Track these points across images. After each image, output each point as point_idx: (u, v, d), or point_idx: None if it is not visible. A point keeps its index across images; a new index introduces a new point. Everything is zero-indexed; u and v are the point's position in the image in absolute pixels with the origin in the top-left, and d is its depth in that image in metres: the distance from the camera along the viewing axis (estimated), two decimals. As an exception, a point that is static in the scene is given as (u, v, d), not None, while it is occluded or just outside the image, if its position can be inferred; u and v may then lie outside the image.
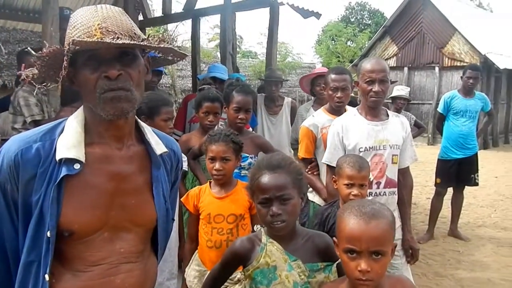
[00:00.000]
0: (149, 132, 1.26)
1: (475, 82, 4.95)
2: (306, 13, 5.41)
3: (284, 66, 19.75)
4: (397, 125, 2.62)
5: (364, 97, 2.57)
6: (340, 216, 1.36)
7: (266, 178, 1.46)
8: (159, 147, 1.24)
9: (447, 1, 15.44)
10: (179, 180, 1.43)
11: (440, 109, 5.08)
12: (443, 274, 4.11)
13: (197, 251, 2.17)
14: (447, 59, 13.66)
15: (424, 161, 9.26)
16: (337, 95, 2.98)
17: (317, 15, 5.41)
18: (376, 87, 2.46)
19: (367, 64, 2.55)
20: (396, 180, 2.61)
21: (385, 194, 2.56)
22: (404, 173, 2.69)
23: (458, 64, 13.07)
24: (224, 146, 2.11)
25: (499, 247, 4.87)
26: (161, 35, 1.21)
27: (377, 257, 1.26)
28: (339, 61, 25.60)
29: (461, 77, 5.06)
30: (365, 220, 1.27)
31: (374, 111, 2.56)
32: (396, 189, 2.61)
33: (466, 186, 5.16)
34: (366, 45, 17.72)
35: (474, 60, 13.02)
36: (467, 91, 4.97)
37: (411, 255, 2.59)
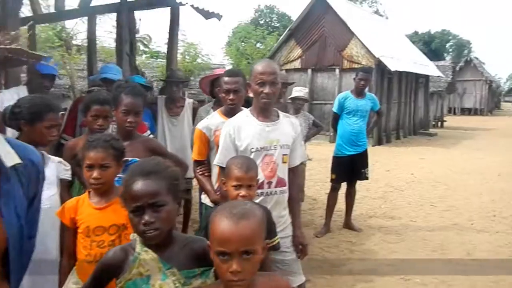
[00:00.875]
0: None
1: (366, 83, 5.34)
2: (207, 14, 5.41)
3: (193, 67, 19.60)
4: (287, 126, 2.72)
5: (255, 98, 2.63)
6: (211, 219, 1.37)
7: (138, 185, 1.43)
8: (9, 158, 1.13)
9: (346, 7, 16.53)
10: (40, 193, 1.31)
11: (334, 108, 5.41)
12: (337, 264, 4.39)
13: (75, 267, 2.03)
14: (346, 61, 14.60)
15: (325, 159, 9.72)
16: (229, 97, 3.03)
17: (218, 16, 5.44)
18: (267, 89, 2.53)
19: (258, 67, 2.60)
20: (287, 179, 2.71)
21: (276, 193, 2.64)
22: (294, 172, 2.80)
23: (356, 66, 13.97)
24: (102, 153, 2.00)
25: (387, 234, 5.33)
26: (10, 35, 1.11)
27: (248, 256, 1.29)
28: (248, 62, 26.03)
29: (354, 79, 5.43)
30: (235, 221, 1.29)
31: (265, 112, 2.63)
32: (286, 188, 2.71)
33: (358, 181, 5.56)
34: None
35: (370, 63, 14.09)
36: (359, 92, 5.35)
37: (301, 251, 2.71)
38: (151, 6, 5.76)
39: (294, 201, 2.83)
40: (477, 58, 43.23)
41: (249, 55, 26.76)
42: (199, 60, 20.91)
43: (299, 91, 5.69)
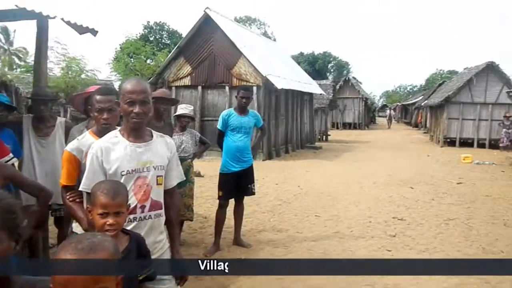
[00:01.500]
0: None
1: (248, 101, 5.45)
2: (81, 29, 5.05)
3: (76, 83, 18.37)
4: (161, 146, 2.60)
5: (125, 118, 2.47)
6: (56, 257, 1.20)
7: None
8: None
9: (234, 27, 16.98)
10: None
11: (219, 126, 5.42)
12: (226, 284, 4.33)
13: None
14: (235, 79, 14.92)
15: (217, 175, 9.78)
16: (103, 117, 2.83)
17: (93, 32, 5.12)
18: (137, 108, 2.39)
19: (127, 85, 2.46)
20: (162, 201, 2.58)
21: (151, 218, 2.50)
22: (171, 194, 2.68)
23: (245, 83, 14.40)
24: None
25: (275, 248, 5.46)
26: None
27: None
28: (138, 78, 25.27)
29: (236, 97, 5.52)
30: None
31: (136, 132, 2.49)
32: (162, 211, 2.58)
33: (246, 196, 5.62)
34: (164, 63, 17.92)
35: (257, 81, 14.62)
36: (241, 109, 5.44)
37: (181, 277, 2.59)
38: (15, 18, 5.20)
39: (172, 224, 2.70)
40: (354, 78, 47.73)
41: (139, 71, 26.00)
42: (83, 76, 19.72)
43: (184, 109, 5.60)
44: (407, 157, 17.16)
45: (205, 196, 8.40)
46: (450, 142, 23.24)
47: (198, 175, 10.79)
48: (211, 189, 8.76)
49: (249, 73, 14.85)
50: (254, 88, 14.55)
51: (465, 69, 29.07)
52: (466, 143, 22.93)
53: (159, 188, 2.56)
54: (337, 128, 39.53)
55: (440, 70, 71.67)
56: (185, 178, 2.85)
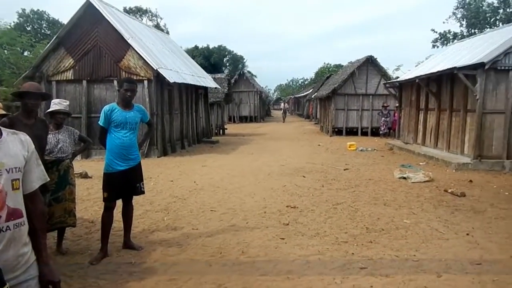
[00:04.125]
0: None
1: (132, 94, 5.07)
2: None
3: None
4: (15, 145, 2.22)
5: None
6: None
7: None
8: None
9: (121, 17, 16.00)
10: None
11: (101, 122, 4.96)
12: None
13: None
14: (124, 72, 14.10)
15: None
16: None
17: None
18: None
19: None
20: (23, 208, 2.21)
21: (9, 229, 2.12)
22: (32, 198, 2.31)
23: (135, 77, 13.69)
24: None
25: (168, 248, 5.20)
26: None
27: None
28: (13, 72, 22.70)
29: (119, 90, 5.10)
30: None
31: (-21, 131, 2.08)
32: (23, 219, 2.21)
33: (136, 196, 5.27)
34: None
35: (148, 75, 14.00)
36: (126, 103, 5.05)
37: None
38: None
39: (37, 233, 2.33)
40: (249, 72, 48.77)
41: (14, 64, 23.36)
42: None
43: (57, 104, 5.04)
44: (299, 147, 17.98)
45: (93, 199, 7.78)
46: (338, 131, 24.99)
47: (85, 176, 10.00)
48: (100, 190, 8.13)
49: (139, 66, 14.15)
50: (145, 82, 13.93)
51: (349, 63, 31.35)
52: (351, 131, 24.86)
53: (17, 194, 2.18)
54: (234, 121, 40.02)
55: (328, 64, 76.70)
56: (48, 179, 2.47)
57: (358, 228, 6.13)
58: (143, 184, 5.21)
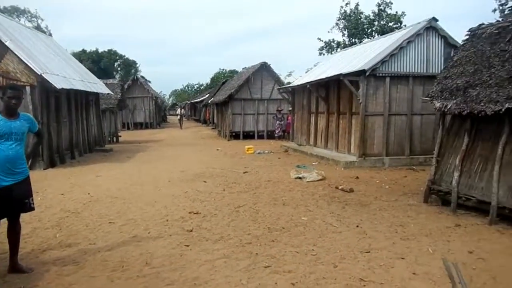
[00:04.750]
0: None
1: (18, 102, 4.61)
2: None
3: None
4: None
5: None
6: None
7: None
8: None
9: (-4, 17, 14.40)
10: None
11: (-19, 132, 4.41)
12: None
13: None
14: (2, 78, 12.67)
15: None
16: None
17: None
18: None
19: None
20: None
21: None
22: None
23: (16, 83, 12.40)
24: None
25: (64, 267, 4.81)
26: None
27: None
28: None
29: (1, 98, 4.60)
30: None
31: None
32: None
33: (22, 213, 4.79)
34: None
35: (31, 80, 12.78)
36: (11, 112, 4.57)
37: None
38: None
39: None
40: (143, 77, 47.18)
41: None
42: None
43: None
44: (198, 153, 17.95)
45: (-32, 220, 6.85)
46: (236, 136, 25.49)
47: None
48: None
49: (19, 70, 12.84)
50: (28, 88, 12.71)
51: (243, 68, 32.18)
52: (249, 135, 25.56)
53: None
54: (128, 128, 38.41)
55: (223, 69, 77.81)
56: None
57: (261, 228, 6.34)
58: (32, 199, 4.75)
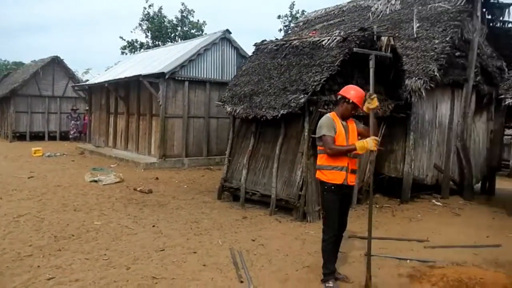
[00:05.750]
0: None
1: None
2: None
3: None
4: None
5: None
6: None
7: None
8: None
9: None
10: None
11: None
12: None
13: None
14: None
15: None
16: None
17: None
18: None
19: None
20: None
21: None
22: None
23: None
24: None
25: None
26: None
27: None
28: None
29: None
30: None
31: None
32: None
33: None
34: None
35: None
36: None
37: None
38: None
39: None
40: None
41: None
42: None
43: None
44: (-31, 156, 15.04)
45: None
46: (20, 136, 22.33)
47: None
48: None
49: None
50: None
51: (32, 61, 28.44)
52: (37, 136, 22.71)
53: None
54: None
55: (5, 60, 67.08)
56: None
57: (45, 238, 5.72)
58: None
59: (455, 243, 6.03)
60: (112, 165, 13.35)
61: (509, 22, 10.51)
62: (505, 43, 10.78)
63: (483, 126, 10.82)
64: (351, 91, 4.31)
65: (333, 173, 4.20)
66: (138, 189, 9.33)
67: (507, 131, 20.30)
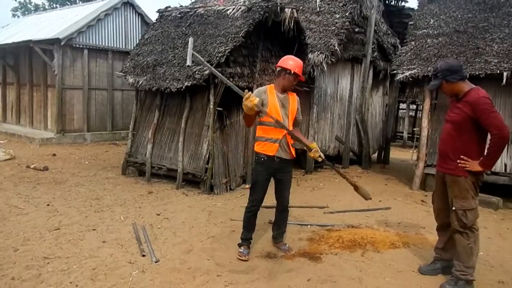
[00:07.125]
0: None
1: None
2: None
3: None
4: None
5: None
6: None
7: None
8: None
9: None
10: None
11: None
12: None
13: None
14: None
15: None
16: None
17: None
18: None
19: None
20: None
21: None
22: None
23: None
24: None
25: None
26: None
27: None
28: None
29: None
30: None
31: None
32: None
33: None
34: None
35: None
36: None
37: None
38: None
39: None
40: None
41: None
42: None
43: None
44: None
45: None
46: None
47: None
48: None
49: None
50: None
51: None
52: None
53: None
54: None
55: None
56: None
57: None
58: None
59: (352, 208, 6.49)
60: (1, 141, 12.07)
61: (402, 0, 11.32)
62: (399, 21, 11.63)
63: (379, 100, 11.66)
64: (289, 61, 4.19)
65: (266, 145, 4.15)
66: (32, 166, 8.57)
67: (402, 105, 22.18)
